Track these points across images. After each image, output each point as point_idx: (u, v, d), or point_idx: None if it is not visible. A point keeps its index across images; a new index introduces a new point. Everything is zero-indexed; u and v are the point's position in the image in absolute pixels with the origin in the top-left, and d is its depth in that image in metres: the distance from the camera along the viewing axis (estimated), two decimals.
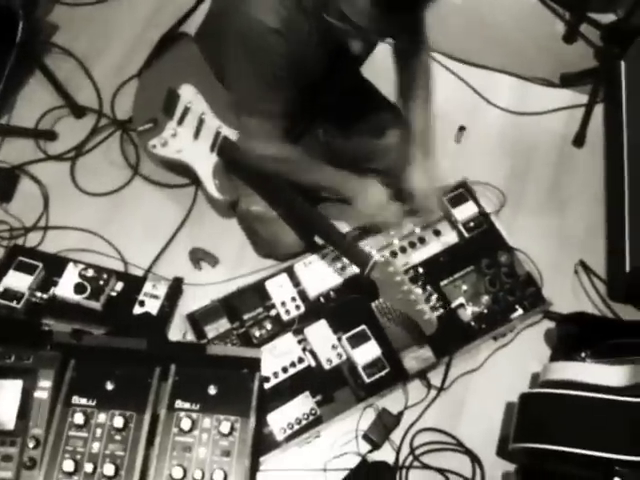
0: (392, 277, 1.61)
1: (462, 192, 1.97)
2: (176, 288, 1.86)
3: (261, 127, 1.64)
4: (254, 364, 1.48)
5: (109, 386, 1.42)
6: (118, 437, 1.38)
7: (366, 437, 1.70)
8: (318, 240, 1.90)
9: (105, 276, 1.77)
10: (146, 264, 1.93)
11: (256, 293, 1.81)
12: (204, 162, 1.89)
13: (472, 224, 1.93)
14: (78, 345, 1.50)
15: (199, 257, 1.96)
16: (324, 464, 1.68)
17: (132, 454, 1.37)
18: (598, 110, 2.31)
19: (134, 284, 1.82)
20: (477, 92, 2.36)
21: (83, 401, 1.41)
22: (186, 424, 1.38)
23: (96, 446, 1.38)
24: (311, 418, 1.65)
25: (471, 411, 1.79)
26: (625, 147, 2.13)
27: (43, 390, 1.42)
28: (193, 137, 1.89)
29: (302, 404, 1.67)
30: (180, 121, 1.90)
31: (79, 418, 1.38)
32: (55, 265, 1.81)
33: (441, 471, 1.69)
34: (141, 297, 1.80)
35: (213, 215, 2.06)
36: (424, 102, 1.79)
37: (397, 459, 1.69)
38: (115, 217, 2.04)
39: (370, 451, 1.70)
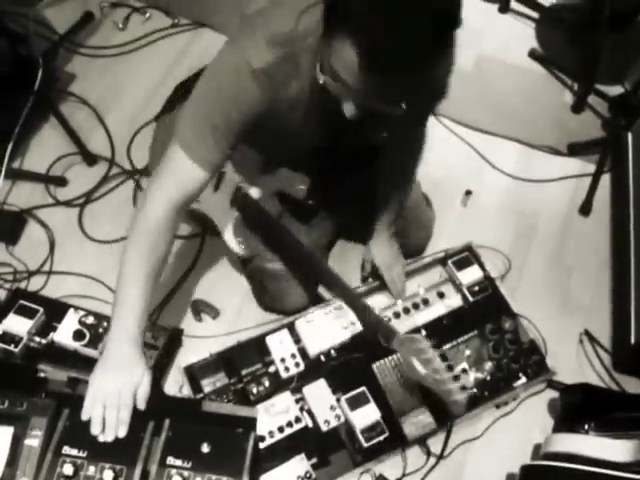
0: (420, 354, 1.57)
1: (467, 255, 1.97)
2: (175, 339, 1.84)
3: (180, 168, 1.39)
4: (249, 424, 1.44)
5: (101, 438, 1.39)
6: None
7: None
8: (322, 293, 1.93)
9: (105, 324, 1.75)
10: None
11: (256, 348, 1.78)
12: (223, 215, 1.87)
13: (477, 288, 1.92)
14: (73, 394, 1.47)
15: (200, 309, 1.95)
16: None
17: None
18: (605, 180, 2.32)
19: None
20: (484, 158, 2.38)
21: (74, 452, 1.37)
22: None
23: None
24: None
25: None
26: (631, 218, 2.13)
27: (34, 438, 1.38)
28: (213, 189, 1.88)
29: (297, 466, 1.62)
30: None
31: (68, 469, 1.34)
32: (56, 310, 1.79)
33: None
34: None
35: (217, 267, 2.06)
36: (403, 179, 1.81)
37: None
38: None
39: None
